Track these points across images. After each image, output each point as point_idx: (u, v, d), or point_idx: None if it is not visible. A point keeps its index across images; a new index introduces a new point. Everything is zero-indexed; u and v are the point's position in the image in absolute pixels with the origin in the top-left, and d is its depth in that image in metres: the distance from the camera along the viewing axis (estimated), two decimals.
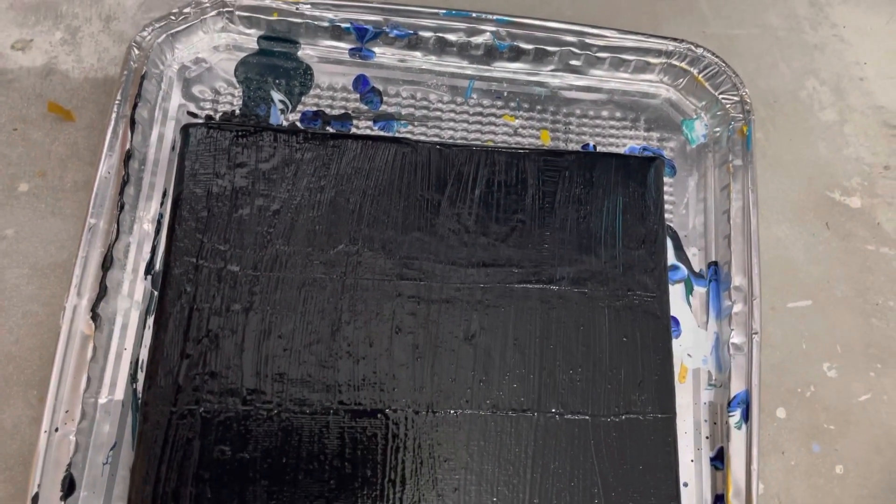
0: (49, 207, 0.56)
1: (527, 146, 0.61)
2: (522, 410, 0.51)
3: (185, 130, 0.55)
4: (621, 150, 0.63)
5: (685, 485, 0.54)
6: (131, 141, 0.54)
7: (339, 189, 0.55)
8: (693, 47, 0.63)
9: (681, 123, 0.64)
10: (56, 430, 0.48)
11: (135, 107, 0.55)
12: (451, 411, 0.51)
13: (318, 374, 0.50)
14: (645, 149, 0.63)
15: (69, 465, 0.48)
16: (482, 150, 0.57)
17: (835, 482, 0.57)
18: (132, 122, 0.55)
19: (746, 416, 0.53)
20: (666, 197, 0.61)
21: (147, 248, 0.55)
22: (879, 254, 0.64)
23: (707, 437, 0.56)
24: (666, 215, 0.60)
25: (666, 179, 0.62)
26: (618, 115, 0.64)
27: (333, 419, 0.49)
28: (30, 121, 0.58)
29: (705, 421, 0.56)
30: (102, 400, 0.51)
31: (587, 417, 0.52)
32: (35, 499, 0.46)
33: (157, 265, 0.54)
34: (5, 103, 0.58)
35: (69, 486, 0.48)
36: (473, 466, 0.50)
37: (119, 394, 0.51)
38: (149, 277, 0.54)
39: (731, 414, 0.54)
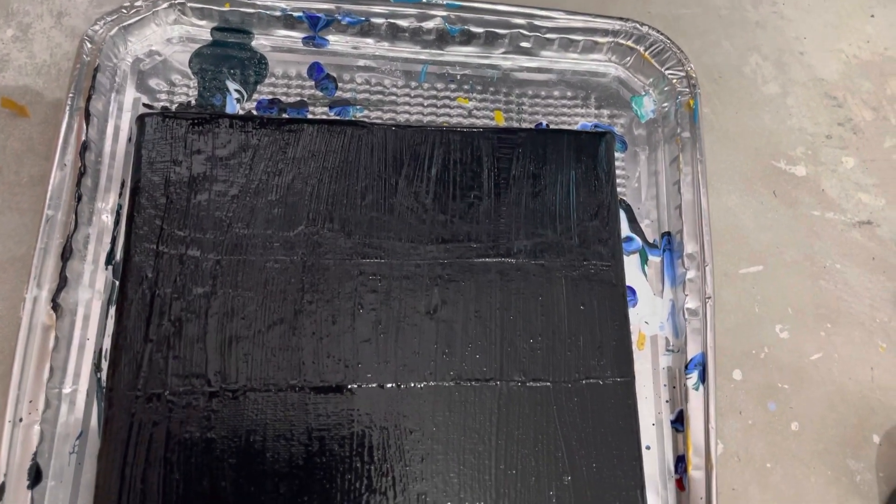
0: (6, 202, 0.56)
1: (480, 126, 0.62)
2: (486, 380, 0.52)
3: (141, 120, 0.55)
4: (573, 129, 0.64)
5: (647, 448, 0.55)
6: (87, 133, 0.55)
7: (297, 172, 0.55)
8: (638, 26, 0.64)
9: (630, 100, 0.66)
10: (20, 420, 0.48)
11: (89, 99, 0.55)
12: (416, 384, 0.51)
13: (282, 353, 0.51)
14: (596, 126, 0.64)
15: (35, 454, 0.48)
16: (437, 130, 0.58)
17: (791, 439, 0.59)
18: (87, 114, 0.55)
19: (703, 378, 0.55)
20: (618, 172, 0.63)
21: (107, 239, 0.55)
22: (825, 219, 0.66)
23: (667, 402, 0.57)
24: (619, 189, 0.62)
25: (617, 155, 0.63)
26: (569, 94, 0.65)
27: (299, 396, 0.50)
28: None
29: (664, 385, 0.58)
30: (67, 390, 0.51)
31: (549, 384, 0.53)
32: (1, 488, 0.46)
33: (118, 255, 0.55)
34: None
35: (35, 475, 0.48)
36: (439, 436, 0.50)
37: (83, 384, 0.51)
38: (109, 268, 0.54)
39: (688, 376, 0.56)
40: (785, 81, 0.71)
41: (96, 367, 0.52)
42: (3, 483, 0.46)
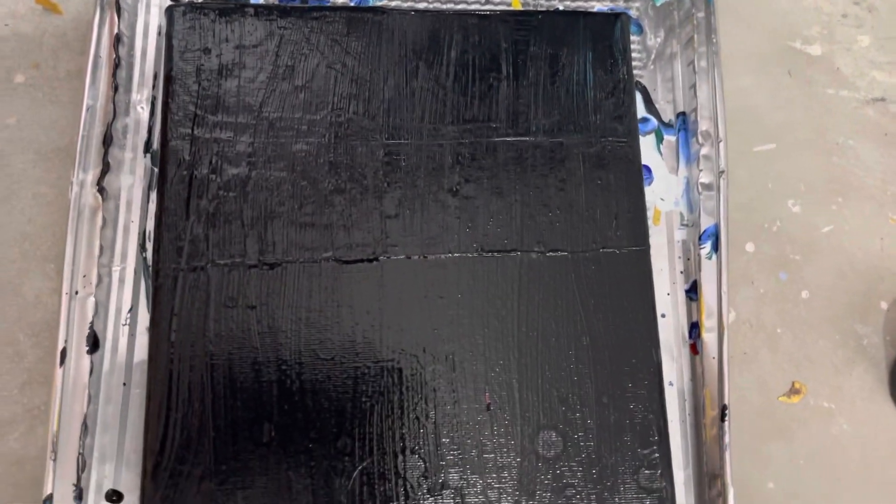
0: (46, 96, 0.59)
1: (497, 10, 0.63)
2: (507, 251, 0.55)
3: (171, 11, 0.57)
4: None
5: (663, 315, 0.58)
6: (119, 25, 0.57)
7: (321, 58, 0.57)
8: None
9: None
10: (76, 292, 0.52)
11: None
12: (441, 255, 0.54)
13: (314, 228, 0.54)
14: (612, 9, 0.65)
15: (91, 323, 0.52)
16: (455, 15, 0.60)
17: (801, 306, 0.61)
18: (118, 8, 0.57)
19: (716, 246, 0.57)
20: (634, 55, 0.64)
21: (144, 129, 0.58)
22: (839, 97, 0.67)
23: (681, 272, 0.60)
24: (635, 72, 0.63)
25: (633, 38, 0.64)
26: None
27: (332, 267, 0.53)
28: (19, 16, 0.60)
29: (679, 258, 0.60)
30: (116, 268, 0.55)
31: (567, 254, 0.56)
32: (63, 353, 0.50)
33: (155, 144, 0.57)
34: None
35: (94, 343, 0.52)
36: (464, 302, 0.54)
37: (130, 262, 0.55)
38: (147, 156, 0.57)
39: (701, 246, 0.58)
40: None
41: (141, 247, 0.56)
42: (65, 349, 0.51)
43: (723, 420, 0.54)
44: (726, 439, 0.54)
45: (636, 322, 0.55)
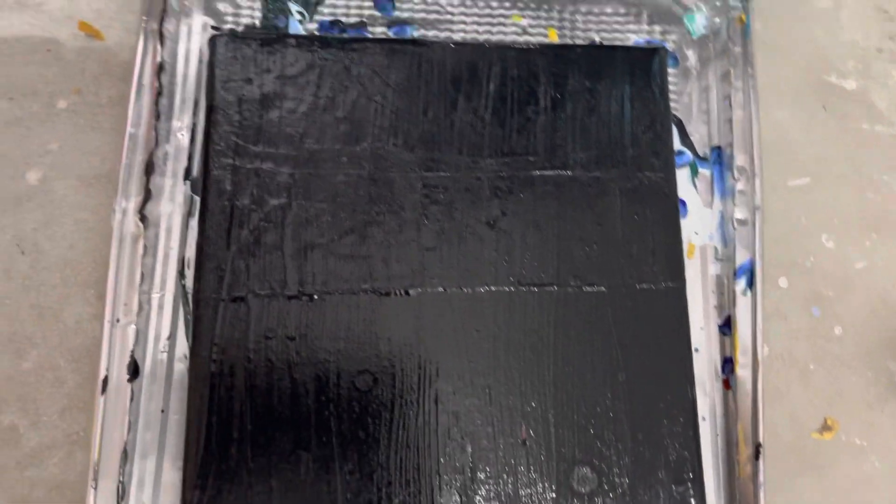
0: (88, 122, 0.60)
1: (536, 43, 0.64)
2: (543, 285, 0.55)
3: (213, 41, 0.58)
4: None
5: (696, 350, 0.58)
6: (162, 54, 0.58)
7: (362, 90, 0.58)
8: None
9: (682, 16, 0.67)
10: (118, 320, 0.52)
11: (162, 21, 0.58)
12: (478, 288, 0.55)
13: (353, 260, 0.54)
14: (649, 42, 0.66)
15: (132, 351, 0.52)
16: (495, 48, 0.60)
17: (834, 342, 0.61)
18: (161, 36, 0.58)
19: (751, 282, 0.58)
20: (670, 87, 0.64)
21: (184, 156, 0.58)
22: (874, 132, 0.67)
23: (715, 307, 0.60)
24: (670, 104, 0.63)
25: (669, 70, 0.65)
26: (621, 10, 0.66)
27: (370, 299, 0.53)
28: (62, 41, 0.61)
29: (713, 292, 0.60)
30: (155, 295, 0.55)
31: (603, 289, 0.56)
32: (105, 382, 0.51)
33: (195, 171, 0.58)
34: (37, 25, 0.61)
35: (134, 370, 0.52)
36: (501, 336, 0.54)
37: (170, 289, 0.56)
38: (187, 183, 0.58)
39: (736, 282, 0.58)
40: None
41: (180, 274, 0.56)
42: (107, 377, 0.51)
43: (757, 458, 0.54)
44: (761, 478, 0.54)
45: (671, 359, 0.55)
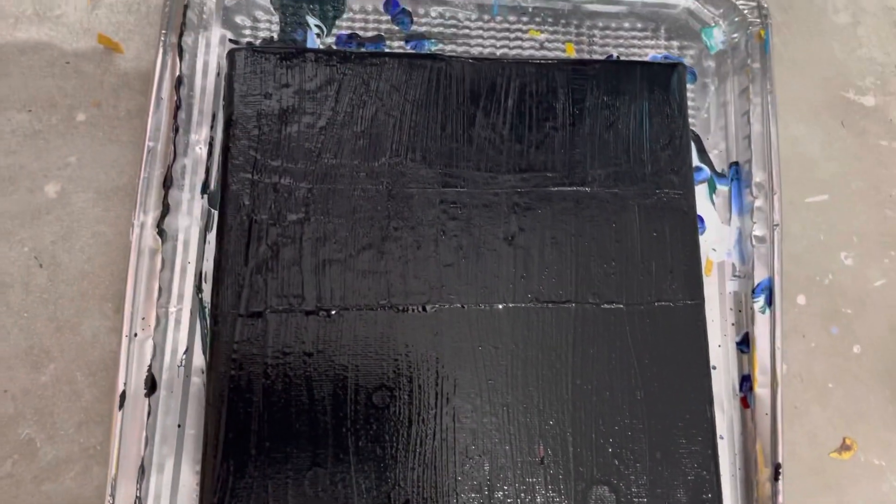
0: (106, 135, 0.60)
1: (554, 58, 0.63)
2: (562, 302, 0.55)
3: (232, 55, 0.58)
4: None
5: (714, 367, 0.58)
6: (181, 67, 0.58)
7: (380, 105, 0.58)
8: None
9: (700, 31, 0.67)
10: (135, 335, 0.52)
11: (181, 35, 0.58)
12: (496, 305, 0.55)
13: (371, 276, 0.54)
14: (666, 57, 0.65)
15: (149, 366, 0.52)
16: (513, 63, 0.60)
17: (853, 360, 0.61)
18: (180, 50, 0.58)
19: (770, 301, 0.57)
20: (688, 103, 0.64)
21: (201, 170, 0.58)
22: (893, 149, 0.67)
23: (733, 324, 0.60)
24: (689, 120, 0.63)
25: (687, 86, 0.64)
26: (639, 25, 0.66)
27: (388, 315, 0.53)
28: (80, 54, 0.61)
29: (731, 309, 0.60)
30: (172, 309, 0.55)
31: (622, 306, 0.56)
32: (122, 396, 0.51)
33: (213, 184, 0.58)
34: (56, 37, 0.61)
35: (151, 385, 0.52)
36: (519, 353, 0.54)
37: (187, 303, 0.56)
38: (205, 196, 0.58)
39: (755, 300, 0.58)
40: (856, 10, 0.71)
41: (197, 288, 0.56)
42: (124, 391, 0.51)
43: (776, 479, 0.54)
44: (780, 499, 0.53)
45: (690, 377, 0.55)
